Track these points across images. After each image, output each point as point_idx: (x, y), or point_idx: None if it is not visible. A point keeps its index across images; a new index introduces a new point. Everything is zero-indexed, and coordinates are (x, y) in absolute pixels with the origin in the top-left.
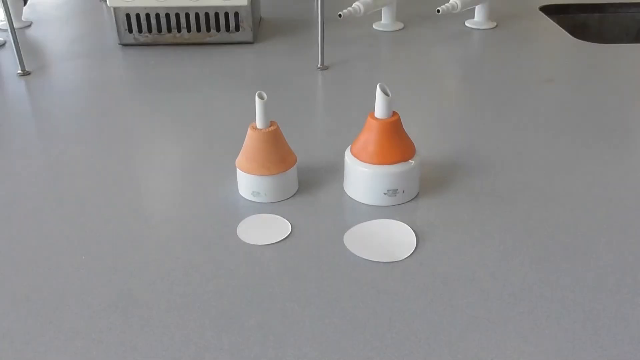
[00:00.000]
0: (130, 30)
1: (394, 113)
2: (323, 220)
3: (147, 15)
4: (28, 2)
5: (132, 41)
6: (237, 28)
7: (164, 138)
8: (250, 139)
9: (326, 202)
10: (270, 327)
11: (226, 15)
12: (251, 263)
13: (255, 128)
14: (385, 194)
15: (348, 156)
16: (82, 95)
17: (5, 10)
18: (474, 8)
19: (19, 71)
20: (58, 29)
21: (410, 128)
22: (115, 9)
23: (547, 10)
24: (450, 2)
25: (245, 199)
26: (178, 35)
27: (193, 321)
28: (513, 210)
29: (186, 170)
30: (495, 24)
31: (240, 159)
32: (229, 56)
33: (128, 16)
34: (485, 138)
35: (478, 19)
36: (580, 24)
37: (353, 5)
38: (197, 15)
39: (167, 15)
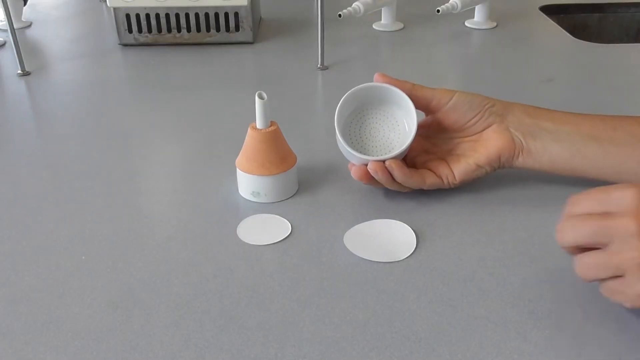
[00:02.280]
0: (130, 30)
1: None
2: (323, 220)
3: (147, 16)
4: (28, 2)
5: (132, 41)
6: (237, 28)
7: (163, 138)
8: (250, 139)
9: (326, 202)
10: (270, 327)
11: (226, 15)
12: (251, 263)
13: (255, 128)
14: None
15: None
16: (82, 95)
17: (5, 10)
18: (474, 8)
19: (19, 71)
20: (58, 29)
21: None
22: (115, 9)
23: (547, 10)
24: (450, 2)
25: (245, 199)
26: (178, 35)
27: (193, 321)
28: (513, 211)
29: (186, 170)
30: (495, 24)
31: (240, 159)
32: (229, 56)
33: (128, 16)
34: None
35: (478, 19)
36: (580, 24)
37: (353, 5)
38: (197, 15)
39: (167, 16)
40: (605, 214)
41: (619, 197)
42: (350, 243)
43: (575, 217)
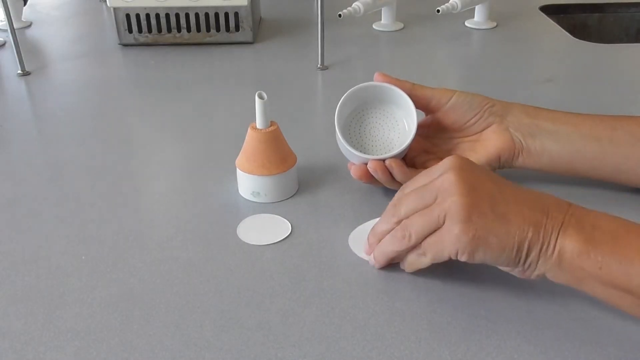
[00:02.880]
0: (130, 30)
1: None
2: (323, 220)
3: (147, 15)
4: (28, 2)
5: (132, 41)
6: (237, 28)
7: (163, 138)
8: (250, 139)
9: (326, 202)
10: (270, 327)
11: (226, 15)
12: (251, 263)
13: (255, 128)
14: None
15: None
16: (82, 95)
17: (5, 10)
18: (474, 8)
19: (19, 71)
20: (58, 29)
21: None
22: (115, 9)
23: (547, 10)
24: (450, 2)
25: (245, 199)
26: (178, 35)
27: (193, 321)
28: None
29: (186, 170)
30: (495, 24)
31: (240, 159)
32: (229, 56)
33: (128, 16)
34: None
35: (478, 19)
36: (580, 24)
37: (353, 5)
38: (197, 15)
39: (167, 15)
40: (430, 181)
41: (439, 166)
42: (355, 245)
43: (406, 193)
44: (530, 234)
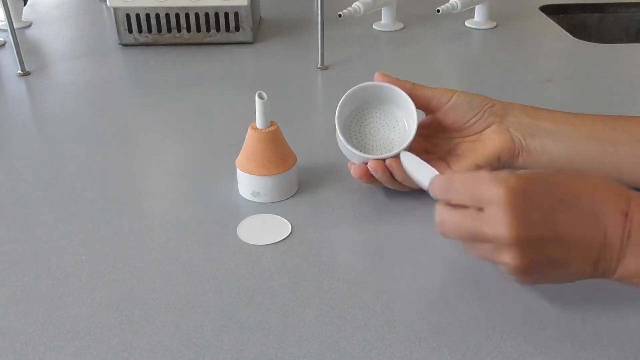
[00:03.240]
0: (130, 30)
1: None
2: (323, 220)
3: (147, 15)
4: (28, 2)
5: (132, 41)
6: (237, 28)
7: (163, 138)
8: (250, 139)
9: (326, 202)
10: (270, 327)
11: (226, 15)
12: (251, 263)
13: (255, 128)
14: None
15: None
16: (82, 95)
17: (5, 10)
18: (474, 8)
19: (19, 71)
20: (58, 29)
21: None
22: (115, 9)
23: (547, 10)
24: (450, 2)
25: (245, 199)
26: (178, 35)
27: (193, 321)
28: None
29: (186, 170)
30: (495, 24)
31: (240, 159)
32: (229, 56)
33: (128, 16)
34: None
35: (478, 19)
36: (580, 24)
37: (353, 5)
38: (197, 15)
39: (167, 15)
40: (480, 215)
41: (489, 192)
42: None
43: (454, 214)
44: (589, 270)
